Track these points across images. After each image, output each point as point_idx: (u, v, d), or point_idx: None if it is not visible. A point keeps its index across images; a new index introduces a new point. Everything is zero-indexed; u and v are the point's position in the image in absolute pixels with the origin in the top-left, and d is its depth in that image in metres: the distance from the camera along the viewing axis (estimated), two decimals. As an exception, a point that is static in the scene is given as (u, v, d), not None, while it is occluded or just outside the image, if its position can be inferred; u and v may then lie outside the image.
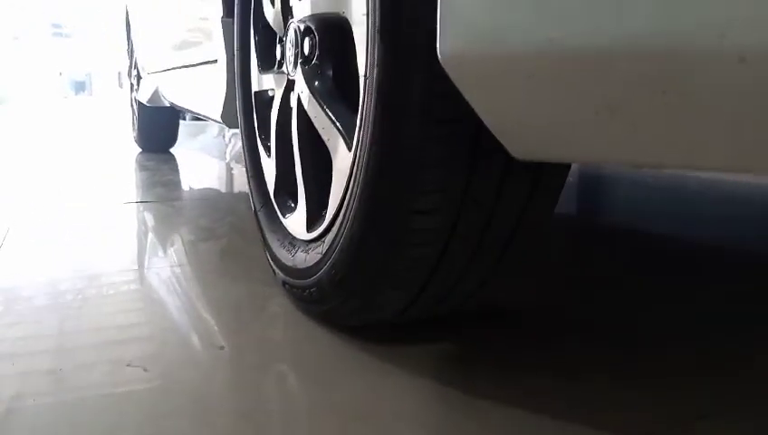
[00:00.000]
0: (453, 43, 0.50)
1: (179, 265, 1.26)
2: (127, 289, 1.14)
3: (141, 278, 1.20)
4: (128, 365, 0.80)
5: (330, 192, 0.85)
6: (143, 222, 1.74)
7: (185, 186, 2.50)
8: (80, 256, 1.37)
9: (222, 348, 0.86)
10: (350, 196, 0.75)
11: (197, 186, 2.53)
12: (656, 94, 0.36)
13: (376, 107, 0.66)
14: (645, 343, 0.89)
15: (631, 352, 0.86)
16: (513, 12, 0.43)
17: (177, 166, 3.09)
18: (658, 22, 0.33)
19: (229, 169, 3.15)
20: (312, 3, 0.85)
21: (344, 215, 0.77)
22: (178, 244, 1.46)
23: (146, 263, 1.31)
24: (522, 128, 0.49)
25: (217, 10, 1.38)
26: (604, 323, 0.97)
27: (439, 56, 0.52)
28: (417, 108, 0.63)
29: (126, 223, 1.74)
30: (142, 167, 2.99)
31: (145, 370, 0.79)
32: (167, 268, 1.25)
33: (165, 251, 1.40)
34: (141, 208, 1.92)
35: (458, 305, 0.83)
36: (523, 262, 0.79)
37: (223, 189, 2.52)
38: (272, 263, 1.04)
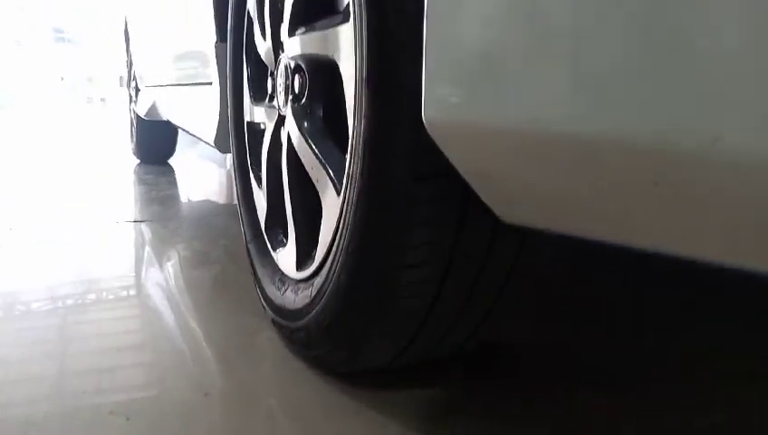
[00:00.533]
0: (437, 110, 0.48)
1: (168, 297, 1.25)
2: (112, 317, 1.12)
3: (131, 305, 1.18)
4: (110, 413, 0.78)
5: (319, 232, 0.83)
6: (135, 245, 1.72)
7: (182, 200, 2.49)
8: (69, 274, 1.35)
9: (207, 395, 0.84)
10: (339, 243, 0.74)
11: (195, 200, 2.51)
12: (647, 185, 0.34)
13: (363, 159, 0.65)
14: (639, 386, 0.87)
15: (626, 399, 0.84)
16: (498, 86, 0.41)
17: (175, 179, 3.07)
18: (649, 119, 0.31)
19: (228, 179, 3.14)
20: (301, 42, 0.83)
21: (332, 262, 0.75)
22: (170, 271, 1.44)
23: (137, 289, 1.29)
24: (508, 197, 0.48)
25: (212, 33, 1.37)
26: (596, 363, 0.95)
27: (424, 120, 0.50)
28: (405, 162, 0.61)
29: (117, 245, 1.73)
30: (140, 180, 2.98)
31: (127, 419, 0.77)
32: (157, 298, 1.23)
33: (155, 279, 1.38)
34: (135, 229, 1.90)
35: (448, 354, 0.82)
36: (516, 307, 0.77)
37: (221, 201, 2.51)
38: (261, 299, 1.02)
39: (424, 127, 0.54)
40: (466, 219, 0.64)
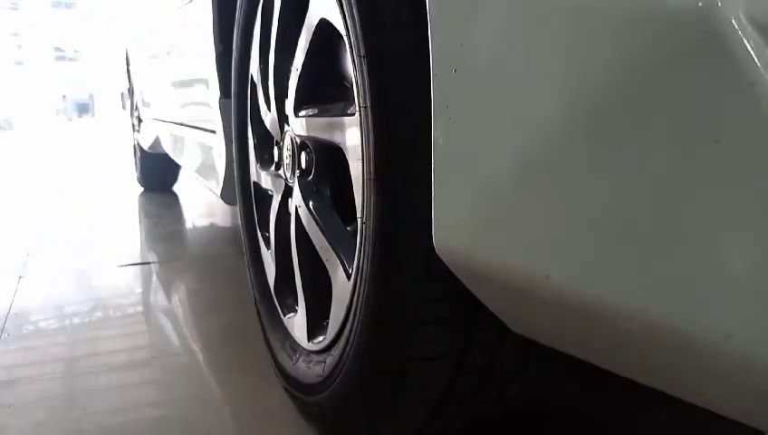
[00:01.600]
0: (445, 238, 0.49)
1: (174, 354, 1.25)
2: (116, 383, 1.13)
3: (131, 369, 1.19)
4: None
5: (330, 301, 0.84)
6: (138, 292, 1.73)
7: (188, 235, 2.50)
8: (70, 340, 1.36)
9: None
10: (351, 327, 0.74)
11: (201, 234, 2.52)
12: (657, 352, 0.35)
13: (373, 257, 0.66)
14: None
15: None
16: (506, 233, 0.42)
17: (180, 210, 3.09)
18: (662, 301, 0.32)
19: (233, 210, 3.15)
20: (307, 125, 0.84)
21: (345, 345, 0.76)
22: (176, 321, 1.45)
23: (140, 350, 1.30)
24: (513, 319, 0.48)
25: (215, 88, 1.38)
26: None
27: (434, 243, 0.51)
28: (417, 262, 0.62)
29: (118, 294, 1.72)
30: (145, 212, 2.99)
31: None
32: (161, 358, 1.24)
33: (160, 332, 1.39)
34: (139, 273, 1.90)
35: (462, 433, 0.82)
36: (531, 387, 0.78)
37: (227, 235, 2.51)
38: (273, 364, 1.03)
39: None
40: (479, 312, 0.65)
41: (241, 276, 1.81)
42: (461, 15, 0.45)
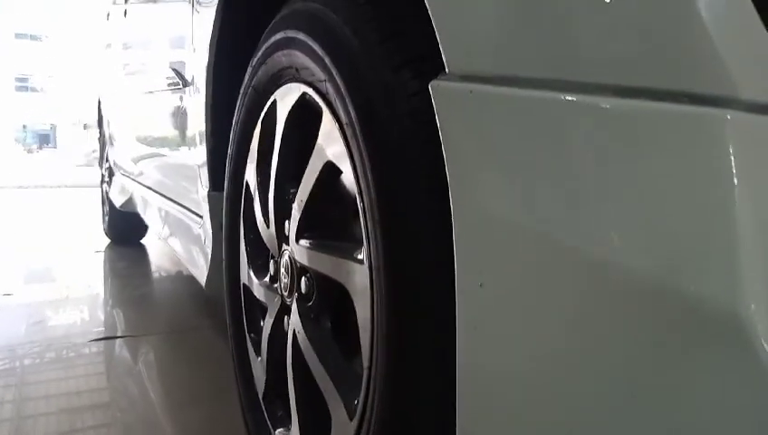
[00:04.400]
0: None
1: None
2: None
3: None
4: None
5: (326, 429, 0.83)
6: (107, 378, 1.68)
7: (160, 302, 2.45)
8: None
9: None
10: (353, 472, 0.74)
11: (174, 300, 2.47)
12: None
13: (381, 409, 0.66)
14: None
15: None
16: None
17: (150, 269, 3.04)
18: None
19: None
20: (309, 256, 0.85)
21: (345, 489, 0.76)
22: (152, 414, 1.41)
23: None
24: None
25: (205, 180, 1.38)
26: None
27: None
28: (428, 420, 0.63)
29: (88, 379, 1.66)
30: (113, 271, 2.93)
31: None
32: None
33: (133, 429, 1.36)
34: (106, 351, 1.84)
35: None
36: None
37: (201, 302, 2.46)
38: (262, 481, 1.01)
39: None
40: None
41: (219, 356, 1.78)
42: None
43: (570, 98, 0.42)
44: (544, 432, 0.44)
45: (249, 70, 1.05)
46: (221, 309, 2.19)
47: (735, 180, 0.36)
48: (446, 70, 0.52)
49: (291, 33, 0.84)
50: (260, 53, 0.99)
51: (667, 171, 0.39)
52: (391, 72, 0.65)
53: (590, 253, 0.42)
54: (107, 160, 3.57)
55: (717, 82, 0.37)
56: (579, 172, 0.42)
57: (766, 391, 0.33)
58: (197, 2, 1.37)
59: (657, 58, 0.39)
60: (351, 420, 0.76)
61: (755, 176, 0.35)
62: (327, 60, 0.74)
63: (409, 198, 0.62)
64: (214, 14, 1.18)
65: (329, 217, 0.84)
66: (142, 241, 3.61)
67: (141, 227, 3.58)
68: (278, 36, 0.90)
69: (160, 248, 3.48)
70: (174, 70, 1.61)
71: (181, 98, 1.55)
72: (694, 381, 0.36)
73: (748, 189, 0.35)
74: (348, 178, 0.77)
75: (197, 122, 1.40)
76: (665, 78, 0.39)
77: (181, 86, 1.53)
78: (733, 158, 0.36)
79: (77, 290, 2.56)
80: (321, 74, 0.77)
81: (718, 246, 0.36)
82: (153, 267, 3.03)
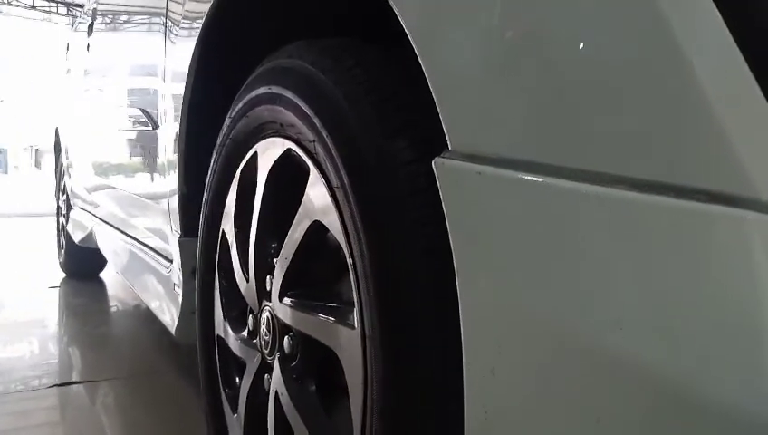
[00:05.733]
0: None
1: None
2: None
3: None
4: None
5: None
6: (65, 427, 1.60)
7: (120, 343, 2.37)
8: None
9: None
10: None
11: (135, 341, 2.39)
12: None
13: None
14: None
15: None
16: None
17: (109, 306, 2.94)
18: None
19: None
20: (293, 316, 0.83)
21: None
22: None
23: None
24: None
25: (177, 225, 1.34)
26: None
27: None
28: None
29: (38, 431, 1.58)
30: (68, 309, 2.83)
31: None
32: None
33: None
34: (64, 397, 1.76)
35: None
36: None
37: (164, 343, 2.38)
38: None
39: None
40: None
41: (184, 404, 1.73)
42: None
43: (585, 188, 0.42)
44: None
45: (228, 121, 1.03)
46: (185, 351, 2.13)
47: (757, 281, 0.36)
48: (449, 147, 0.52)
49: (276, 90, 0.83)
50: (240, 105, 0.97)
51: (683, 268, 0.38)
52: (385, 138, 0.64)
53: (601, 346, 0.42)
54: (64, 192, 3.47)
55: (738, 181, 0.37)
56: (591, 262, 0.42)
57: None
58: (171, 40, 1.35)
59: (677, 153, 0.39)
60: (340, 489, 0.74)
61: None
62: (317, 121, 0.73)
63: (406, 264, 0.61)
64: (189, 56, 1.16)
65: (315, 277, 0.83)
66: (101, 275, 3.50)
67: (100, 261, 3.47)
68: (261, 90, 0.89)
69: (120, 283, 3.38)
70: (143, 110, 1.58)
71: (151, 140, 1.52)
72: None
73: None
74: (335, 238, 0.76)
75: (169, 166, 1.37)
76: (683, 174, 0.39)
77: (151, 128, 1.50)
78: (753, 258, 0.36)
79: (30, 330, 2.45)
80: (309, 134, 0.76)
81: (739, 347, 0.36)
82: (112, 304, 2.94)
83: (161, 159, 1.43)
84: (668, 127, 0.39)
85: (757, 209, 0.36)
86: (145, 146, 1.60)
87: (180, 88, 1.19)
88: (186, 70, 1.16)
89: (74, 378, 1.92)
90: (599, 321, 0.42)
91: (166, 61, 1.34)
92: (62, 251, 3.56)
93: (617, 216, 0.41)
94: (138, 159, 1.71)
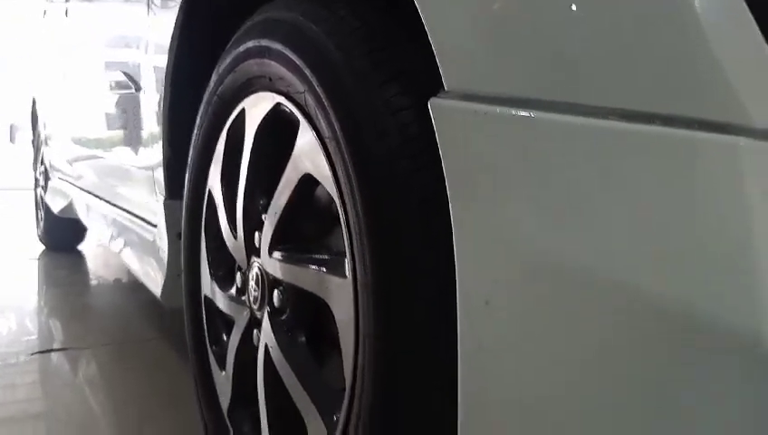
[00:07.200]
0: None
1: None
2: None
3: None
4: None
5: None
6: (50, 394, 1.59)
7: (105, 312, 2.35)
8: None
9: None
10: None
11: (120, 310, 2.37)
12: None
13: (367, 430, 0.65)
14: None
15: None
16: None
17: (90, 277, 2.91)
18: None
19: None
20: (283, 269, 0.83)
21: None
22: (108, 431, 1.36)
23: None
24: None
25: (161, 187, 1.34)
26: None
27: None
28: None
29: (23, 393, 1.57)
30: (50, 279, 2.80)
31: None
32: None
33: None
34: (50, 365, 1.75)
35: None
36: None
37: (149, 311, 2.35)
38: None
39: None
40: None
41: (173, 369, 1.73)
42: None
43: (579, 121, 0.43)
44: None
45: (214, 77, 1.02)
46: (173, 320, 2.13)
47: (748, 204, 0.37)
48: (445, 87, 0.52)
49: (265, 43, 0.83)
50: (228, 61, 0.96)
51: (675, 195, 0.39)
52: (377, 86, 0.65)
53: (598, 274, 0.43)
54: (42, 163, 3.42)
55: (729, 109, 0.38)
56: (587, 194, 0.43)
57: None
58: (153, 2, 1.32)
59: (668, 84, 0.40)
60: (330, 434, 0.75)
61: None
62: (308, 72, 0.72)
63: (400, 212, 0.61)
64: (174, 16, 1.14)
65: (305, 230, 0.83)
66: (79, 247, 3.47)
67: (79, 233, 3.44)
68: (249, 44, 0.88)
69: (100, 255, 3.35)
70: (125, 73, 1.56)
71: (134, 103, 1.50)
72: (708, 401, 0.37)
73: (761, 213, 0.36)
74: (326, 190, 0.77)
75: (152, 129, 1.36)
76: (675, 104, 0.40)
77: (134, 90, 1.48)
78: (745, 183, 0.37)
79: (13, 300, 2.43)
80: (299, 85, 0.76)
81: (730, 272, 0.37)
82: (94, 275, 2.92)
83: (144, 122, 1.42)
84: (660, 58, 0.40)
85: (749, 136, 0.37)
86: (127, 109, 1.58)
87: (165, 46, 1.17)
88: (171, 26, 1.14)
89: (56, 346, 1.91)
90: (592, 251, 0.43)
91: (149, 18, 1.32)
92: (41, 223, 3.51)
93: (610, 147, 0.42)
94: (120, 124, 1.69)
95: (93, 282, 2.83)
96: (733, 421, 0.36)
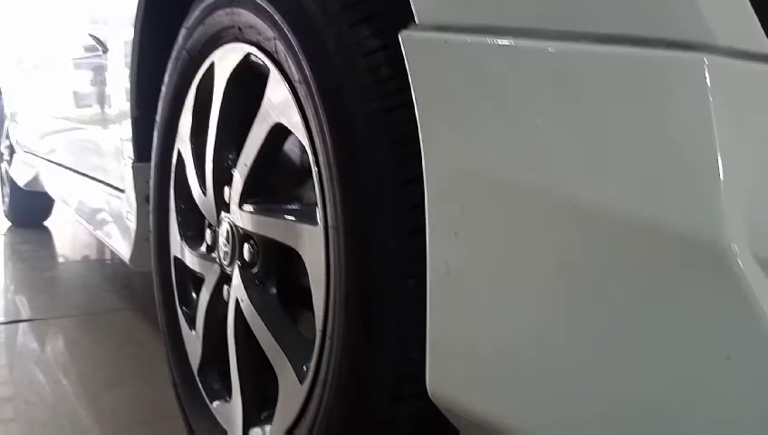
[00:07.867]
0: (442, 385, 0.50)
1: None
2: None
3: None
4: None
5: (271, 388, 0.82)
6: (19, 365, 1.58)
7: (73, 285, 2.32)
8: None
9: None
10: (303, 435, 0.73)
11: (89, 284, 2.34)
12: None
13: (339, 373, 0.66)
14: None
15: None
16: (510, 393, 0.44)
17: (57, 252, 2.87)
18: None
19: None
20: (254, 221, 0.83)
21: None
22: (68, 396, 1.34)
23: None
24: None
25: (129, 150, 1.31)
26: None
27: (428, 387, 0.52)
28: (386, 383, 0.63)
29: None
30: (16, 254, 2.75)
31: None
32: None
33: (54, 410, 1.29)
34: (19, 333, 1.73)
35: None
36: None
37: (119, 284, 2.33)
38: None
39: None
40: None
41: (140, 337, 1.71)
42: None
43: (550, 46, 0.43)
44: (523, 381, 0.45)
45: (183, 32, 1.00)
46: (140, 290, 2.10)
47: (713, 121, 0.37)
48: (417, 20, 0.52)
49: (234, -9, 0.81)
50: (196, 14, 0.94)
51: (645, 113, 0.40)
52: (348, 27, 0.64)
53: (570, 195, 0.43)
54: (7, 137, 3.33)
55: (694, 28, 0.38)
56: (557, 118, 0.43)
57: (743, 304, 0.35)
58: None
59: (636, 5, 0.40)
60: (302, 383, 0.75)
61: (732, 116, 0.37)
62: (278, 17, 0.71)
63: (371, 153, 0.61)
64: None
65: (275, 181, 0.83)
66: (46, 223, 3.40)
67: (45, 209, 3.37)
68: (219, -5, 0.87)
69: (67, 230, 3.29)
70: (91, 36, 1.52)
71: (99, 65, 1.47)
72: (678, 312, 0.38)
73: (725, 129, 0.37)
74: (295, 142, 0.76)
75: (119, 91, 1.33)
76: (643, 25, 0.40)
77: (101, 52, 1.44)
78: (711, 99, 0.37)
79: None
80: (269, 32, 0.75)
81: (695, 182, 0.38)
82: (60, 250, 2.87)
83: (111, 84, 1.39)
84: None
85: (713, 53, 0.38)
86: (94, 72, 1.55)
87: (132, 3, 1.15)
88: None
89: (23, 317, 1.88)
90: (559, 173, 0.43)
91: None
92: (6, 199, 3.44)
93: (581, 70, 0.42)
94: (86, 89, 1.65)
95: (60, 256, 2.79)
96: (702, 332, 0.37)
